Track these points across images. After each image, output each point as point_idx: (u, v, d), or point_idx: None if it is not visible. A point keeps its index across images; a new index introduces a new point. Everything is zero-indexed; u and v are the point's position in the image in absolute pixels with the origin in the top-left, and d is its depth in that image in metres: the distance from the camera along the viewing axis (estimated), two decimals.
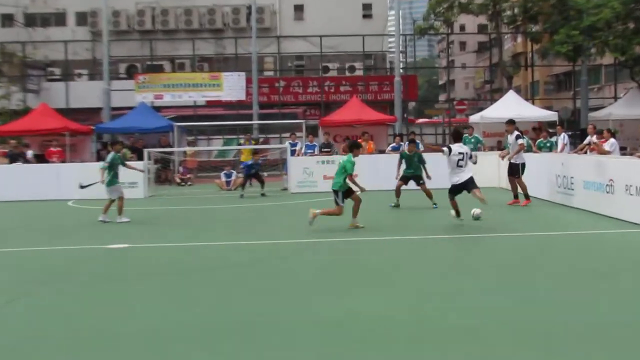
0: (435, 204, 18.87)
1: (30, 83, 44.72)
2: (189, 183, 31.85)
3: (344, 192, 15.50)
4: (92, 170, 25.44)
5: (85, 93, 44.37)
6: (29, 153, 30.32)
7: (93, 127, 35.27)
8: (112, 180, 18.41)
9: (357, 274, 10.37)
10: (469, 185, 15.70)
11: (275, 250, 12.85)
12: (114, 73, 43.73)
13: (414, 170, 19.97)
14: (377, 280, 9.83)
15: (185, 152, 32.81)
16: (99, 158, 33.09)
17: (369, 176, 24.92)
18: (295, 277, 10.32)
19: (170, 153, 31.85)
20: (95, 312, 8.54)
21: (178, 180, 31.86)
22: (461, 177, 15.74)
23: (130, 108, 37.34)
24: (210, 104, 42.98)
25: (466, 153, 15.86)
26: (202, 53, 48.29)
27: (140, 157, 27.70)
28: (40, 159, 30.52)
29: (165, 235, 15.26)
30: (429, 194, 19.24)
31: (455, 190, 15.90)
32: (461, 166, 15.74)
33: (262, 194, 24.90)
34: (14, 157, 28.65)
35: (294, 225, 16.53)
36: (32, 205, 23.78)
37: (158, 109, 39.86)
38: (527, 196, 19.83)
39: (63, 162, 29.72)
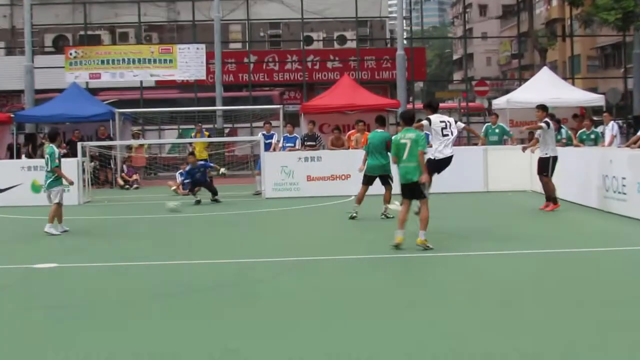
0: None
1: None
2: (135, 186, 31.83)
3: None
4: (11, 170, 25.58)
5: (2, 71, 44.28)
6: None
7: (12, 115, 35.21)
8: (57, 181, 18.41)
9: (346, 301, 10.46)
10: (441, 167, 17.07)
11: (244, 271, 12.93)
12: (38, 46, 43.67)
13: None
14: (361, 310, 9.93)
15: (129, 147, 32.83)
16: (19, 154, 33.09)
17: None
18: (271, 306, 10.39)
19: (111, 148, 31.84)
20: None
21: (121, 182, 31.87)
22: (445, 152, 16.97)
23: (60, 90, 37.29)
24: (160, 84, 43.01)
25: (448, 121, 17.17)
26: (150, 20, 48.28)
27: (74, 154, 27.67)
28: None
29: (103, 253, 15.29)
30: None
31: (436, 167, 16.99)
32: (447, 135, 17.02)
33: (215, 200, 24.98)
34: None
35: (266, 240, 16.60)
36: None
37: (94, 91, 39.84)
38: (554, 200, 20.03)
39: None
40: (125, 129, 35.73)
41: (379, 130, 19.26)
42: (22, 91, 39.15)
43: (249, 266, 13.35)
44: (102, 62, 38.75)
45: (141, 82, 41.65)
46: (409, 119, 15.03)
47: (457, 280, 11.74)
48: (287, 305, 10.36)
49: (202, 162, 26.23)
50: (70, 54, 38.95)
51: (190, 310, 10.17)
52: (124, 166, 32.72)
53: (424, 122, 17.02)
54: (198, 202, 24.56)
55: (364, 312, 9.75)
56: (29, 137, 35.45)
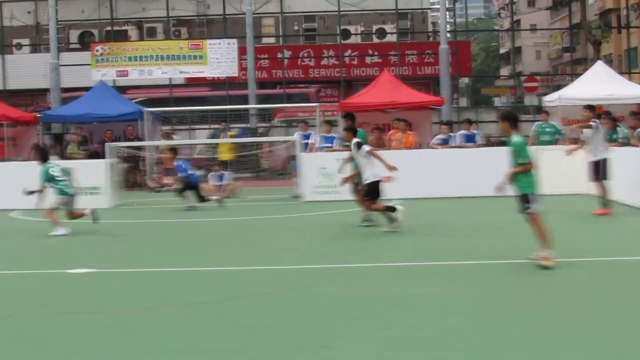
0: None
1: None
2: (165, 188, 32.21)
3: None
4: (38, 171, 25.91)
5: (26, 70, 44.77)
6: None
7: (39, 115, 35.63)
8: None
9: (392, 309, 10.68)
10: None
11: (280, 278, 13.16)
12: (63, 43, 44.17)
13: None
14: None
15: (159, 147, 33.18)
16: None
17: (408, 178, 25.18)
18: (310, 315, 10.66)
19: (139, 148, 32.15)
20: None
21: (152, 185, 32.22)
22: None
23: (86, 89, 37.66)
24: (190, 82, 43.38)
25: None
26: (179, 14, 48.68)
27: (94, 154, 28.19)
28: None
29: (137, 258, 15.61)
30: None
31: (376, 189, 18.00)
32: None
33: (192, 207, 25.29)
34: None
35: (306, 246, 16.81)
36: None
37: (122, 89, 40.23)
38: (607, 204, 20.03)
39: (2, 160, 30.13)
40: (155, 128, 36.04)
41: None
42: (47, 90, 39.63)
43: (285, 274, 13.56)
44: (130, 58, 39.14)
45: (170, 79, 41.99)
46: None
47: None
48: (330, 312, 10.56)
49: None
50: (97, 50, 39.37)
51: (214, 320, 10.38)
52: (155, 167, 33.09)
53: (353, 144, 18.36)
54: (189, 209, 24.89)
55: (421, 321, 9.99)
56: (56, 137, 35.85)
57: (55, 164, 20.26)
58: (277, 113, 41.10)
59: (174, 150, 26.81)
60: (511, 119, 13.80)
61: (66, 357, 8.83)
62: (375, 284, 12.32)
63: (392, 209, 18.15)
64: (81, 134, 34.09)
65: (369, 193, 18.41)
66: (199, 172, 26.78)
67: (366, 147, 18.42)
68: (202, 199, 25.52)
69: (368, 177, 18.30)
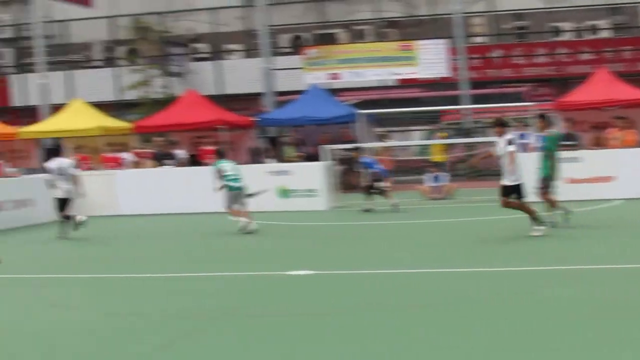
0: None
1: (172, 64, 46.65)
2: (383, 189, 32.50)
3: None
4: (256, 174, 26.67)
5: (240, 74, 45.84)
6: (180, 153, 31.74)
7: (255, 119, 36.42)
8: None
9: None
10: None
11: (500, 281, 13.08)
12: (274, 47, 45.05)
13: None
14: None
15: (376, 150, 33.35)
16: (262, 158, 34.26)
17: (628, 178, 24.64)
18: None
19: (354, 150, 32.39)
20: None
21: (368, 187, 32.46)
22: None
23: (299, 92, 38.27)
24: (402, 83, 43.47)
25: None
26: (388, 15, 48.87)
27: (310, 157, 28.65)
28: (192, 160, 31.98)
29: (355, 259, 15.78)
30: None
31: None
32: None
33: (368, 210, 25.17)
34: (161, 158, 30.09)
35: (534, 247, 16.63)
36: (184, 219, 25.01)
37: (335, 92, 40.67)
38: None
39: None
40: (369, 130, 36.25)
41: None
42: (260, 94, 40.46)
43: (506, 276, 13.48)
44: (341, 61, 39.50)
45: (382, 81, 42.19)
46: None
47: None
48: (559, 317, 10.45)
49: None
50: (308, 54, 39.94)
51: (466, 320, 10.35)
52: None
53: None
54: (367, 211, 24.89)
55: None
56: (271, 140, 36.58)
57: (225, 161, 21.20)
58: (443, 116, 40.94)
59: (356, 150, 26.99)
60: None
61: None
62: (607, 286, 12.06)
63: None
64: (296, 137, 34.58)
65: (513, 193, 17.97)
66: (382, 168, 26.80)
67: (510, 148, 17.87)
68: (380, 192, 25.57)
69: (516, 178, 17.81)
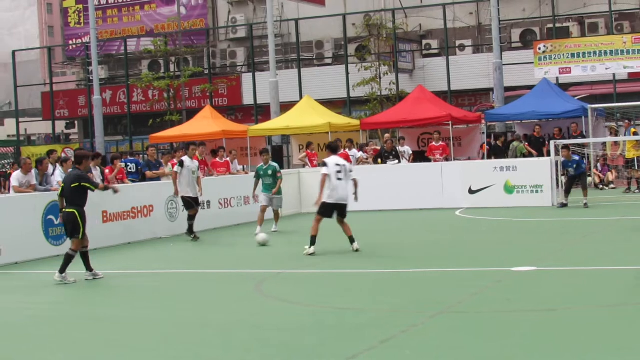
0: None
1: (402, 61, 47.03)
2: (611, 186, 31.77)
3: None
4: (484, 170, 26.62)
5: (469, 70, 45.77)
6: (406, 150, 32.07)
7: (483, 115, 36.29)
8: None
9: None
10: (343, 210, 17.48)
11: None
12: (505, 42, 44.70)
13: None
14: None
15: (604, 144, 32.63)
16: (490, 154, 34.14)
17: None
18: None
19: (584, 146, 31.83)
20: None
21: (596, 181, 31.89)
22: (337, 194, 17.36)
23: (529, 87, 37.88)
24: (634, 77, 42.29)
25: (344, 166, 17.68)
26: (621, 8, 47.61)
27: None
28: (420, 156, 32.22)
29: (581, 256, 15.59)
30: None
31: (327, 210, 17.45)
32: (340, 179, 17.44)
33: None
34: (386, 155, 30.43)
35: None
36: (411, 215, 25.29)
37: (565, 86, 40.03)
38: None
39: (447, 159, 31.04)
40: (599, 125, 35.52)
41: None
42: (490, 89, 40.26)
43: None
44: (572, 55, 38.90)
45: (614, 75, 41.21)
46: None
47: None
48: None
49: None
50: (539, 48, 39.52)
51: None
52: (598, 165, 32.70)
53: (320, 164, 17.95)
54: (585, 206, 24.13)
55: None
56: (502, 137, 36.35)
57: None
58: None
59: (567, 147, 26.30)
60: None
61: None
62: None
63: None
64: (540, 132, 34.10)
65: None
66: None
67: None
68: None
69: None
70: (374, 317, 11.24)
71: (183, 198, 21.47)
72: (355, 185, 17.85)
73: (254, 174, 23.07)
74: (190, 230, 21.29)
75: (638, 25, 47.05)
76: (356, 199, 17.95)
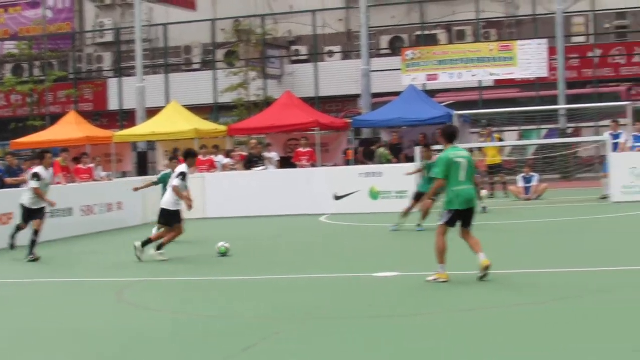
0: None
1: (271, 67, 46.99)
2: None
3: None
4: (349, 176, 26.72)
5: (337, 76, 45.95)
6: (273, 156, 32.01)
7: (349, 121, 36.46)
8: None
9: None
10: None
11: (585, 282, 12.98)
12: (374, 49, 45.01)
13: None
14: None
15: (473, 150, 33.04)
16: (356, 160, 34.33)
17: None
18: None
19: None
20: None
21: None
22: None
23: (396, 94, 38.15)
24: (500, 84, 43.08)
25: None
26: (488, 16, 48.44)
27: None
28: (286, 162, 32.17)
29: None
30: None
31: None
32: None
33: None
34: (253, 161, 30.30)
35: (612, 247, 16.48)
36: (277, 222, 25.19)
37: (432, 93, 40.49)
38: None
39: (313, 166, 31.08)
40: (464, 131, 35.96)
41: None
42: (358, 95, 40.47)
43: (591, 276, 13.39)
44: (440, 62, 39.40)
45: (480, 82, 41.89)
46: (452, 136, 13.77)
47: None
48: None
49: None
50: (407, 55, 39.91)
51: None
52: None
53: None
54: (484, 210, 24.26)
55: None
56: (364, 142, 36.61)
57: None
58: None
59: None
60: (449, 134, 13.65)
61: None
62: None
63: None
64: (397, 139, 34.40)
65: None
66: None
67: None
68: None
69: None
70: (237, 325, 11.12)
71: (24, 207, 19.12)
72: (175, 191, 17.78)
73: (156, 178, 22.66)
74: (31, 248, 18.75)
75: (505, 33, 47.93)
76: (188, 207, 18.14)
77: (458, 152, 13.44)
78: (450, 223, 13.39)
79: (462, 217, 13.34)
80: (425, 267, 15.13)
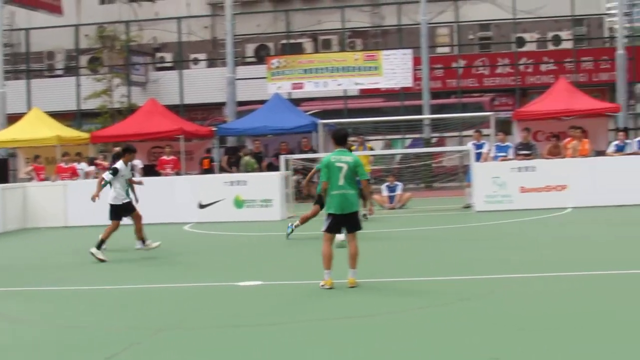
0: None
1: (135, 73, 46.44)
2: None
3: None
4: (214, 185, 26.47)
5: (203, 84, 45.66)
6: (137, 163, 31.50)
7: (214, 129, 36.22)
8: None
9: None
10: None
11: (450, 289, 13.03)
12: (239, 57, 44.87)
13: None
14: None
15: None
16: (222, 168, 34.07)
17: (583, 186, 24.74)
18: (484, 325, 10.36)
19: (314, 160, 32.25)
20: None
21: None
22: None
23: (261, 102, 38.09)
24: (365, 93, 43.36)
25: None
26: (354, 26, 48.79)
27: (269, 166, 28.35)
28: (150, 170, 31.67)
29: (306, 270, 15.57)
30: None
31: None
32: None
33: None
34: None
35: (476, 256, 16.58)
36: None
37: (297, 102, 40.51)
38: None
39: (177, 174, 30.73)
40: (329, 140, 36.04)
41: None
42: (223, 104, 40.23)
43: (457, 284, 13.43)
44: (305, 71, 39.42)
45: (345, 91, 42.10)
46: (343, 138, 13.83)
47: None
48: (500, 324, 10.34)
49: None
50: (272, 63, 39.86)
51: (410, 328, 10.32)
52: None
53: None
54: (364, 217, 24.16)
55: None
56: (229, 150, 36.35)
57: None
58: None
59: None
60: (338, 137, 13.71)
61: None
62: (553, 296, 12.06)
63: None
64: (255, 147, 34.36)
65: None
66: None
67: None
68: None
69: None
70: (98, 336, 10.75)
71: None
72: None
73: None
74: None
75: (370, 43, 48.41)
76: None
77: (342, 156, 13.36)
78: (331, 229, 13.40)
79: (341, 222, 13.33)
80: (289, 275, 15.07)
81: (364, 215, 23.60)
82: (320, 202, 20.13)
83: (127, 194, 18.96)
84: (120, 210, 18.59)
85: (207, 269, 16.74)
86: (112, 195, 18.52)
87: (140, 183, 19.82)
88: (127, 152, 19.08)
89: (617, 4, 36.86)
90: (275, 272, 15.80)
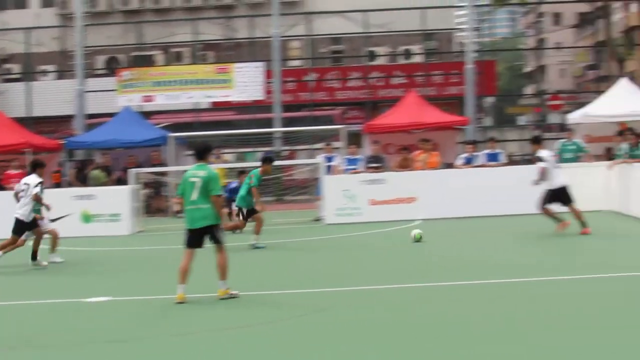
0: None
1: None
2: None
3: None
4: (60, 199, 25.82)
5: (52, 96, 44.85)
6: None
7: (63, 142, 35.55)
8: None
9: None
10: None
11: (303, 302, 13.08)
12: (89, 68, 44.20)
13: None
14: None
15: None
16: (69, 183, 33.41)
17: (432, 198, 25.12)
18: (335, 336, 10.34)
19: (163, 174, 31.94)
20: None
21: (176, 208, 31.95)
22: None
23: (112, 115, 37.53)
24: (217, 106, 43.22)
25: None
26: (206, 38, 48.66)
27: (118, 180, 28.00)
28: None
29: (155, 285, 15.38)
30: None
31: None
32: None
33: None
34: None
35: (325, 268, 16.64)
36: None
37: (148, 115, 40.10)
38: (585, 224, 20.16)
39: None
40: (179, 154, 35.71)
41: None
42: (72, 116, 39.52)
43: (306, 296, 13.51)
44: (156, 83, 38.97)
45: (196, 104, 41.88)
46: (202, 153, 13.91)
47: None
48: (353, 335, 10.38)
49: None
50: (123, 76, 39.26)
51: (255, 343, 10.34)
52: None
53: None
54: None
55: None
56: (77, 164, 35.70)
57: None
58: None
59: (243, 172, 26.39)
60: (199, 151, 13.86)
61: None
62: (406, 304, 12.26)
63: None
64: (105, 161, 33.91)
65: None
66: None
67: None
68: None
69: None
70: None
71: None
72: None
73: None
74: None
75: (223, 55, 48.36)
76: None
77: (197, 171, 13.47)
78: (189, 243, 13.54)
79: (196, 236, 13.45)
80: (138, 291, 14.83)
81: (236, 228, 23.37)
82: (247, 216, 21.20)
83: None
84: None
85: (53, 286, 16.41)
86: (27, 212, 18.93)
87: None
88: (39, 167, 19.50)
89: (467, 19, 37.59)
90: (126, 287, 15.58)
